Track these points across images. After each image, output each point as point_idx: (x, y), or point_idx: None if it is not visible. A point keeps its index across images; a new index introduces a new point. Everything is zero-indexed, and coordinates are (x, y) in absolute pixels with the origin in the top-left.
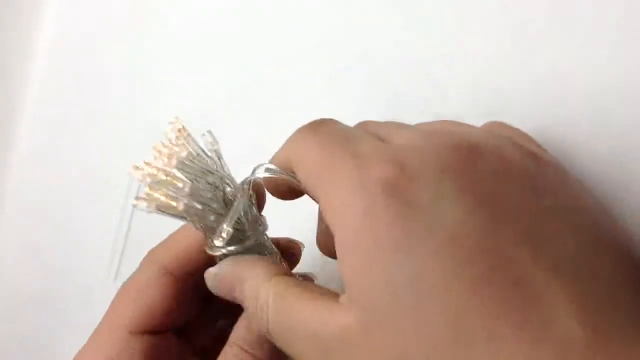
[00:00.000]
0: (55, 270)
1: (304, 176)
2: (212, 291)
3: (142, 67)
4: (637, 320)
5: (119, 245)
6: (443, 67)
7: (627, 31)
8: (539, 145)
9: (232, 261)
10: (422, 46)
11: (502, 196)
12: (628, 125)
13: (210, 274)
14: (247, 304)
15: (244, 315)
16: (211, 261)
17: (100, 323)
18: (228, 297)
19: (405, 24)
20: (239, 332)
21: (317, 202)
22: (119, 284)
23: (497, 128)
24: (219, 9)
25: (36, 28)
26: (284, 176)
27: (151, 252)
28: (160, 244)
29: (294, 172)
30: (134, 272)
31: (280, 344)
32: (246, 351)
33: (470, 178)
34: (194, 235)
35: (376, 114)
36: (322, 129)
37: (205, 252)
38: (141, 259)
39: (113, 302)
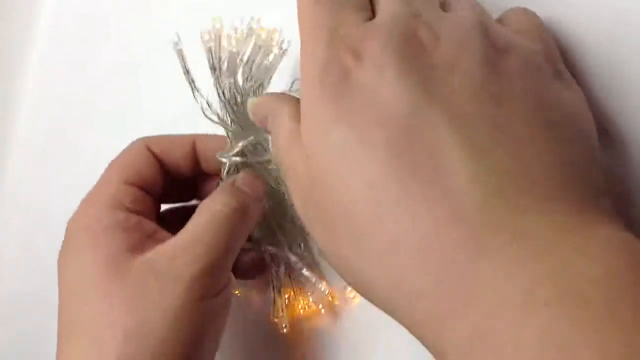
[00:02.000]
0: (53, 272)
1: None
2: (250, 117)
3: (142, 63)
4: (564, 198)
5: None
6: None
7: None
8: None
9: (271, 95)
10: None
11: (442, 83)
12: None
13: (251, 102)
14: (271, 136)
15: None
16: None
17: (97, 182)
18: (262, 126)
19: None
20: (218, 196)
21: None
22: None
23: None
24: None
25: (31, 26)
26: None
27: (138, 138)
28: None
29: None
30: (123, 150)
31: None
32: (224, 212)
33: (417, 64)
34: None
35: None
36: None
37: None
38: None
39: (107, 166)
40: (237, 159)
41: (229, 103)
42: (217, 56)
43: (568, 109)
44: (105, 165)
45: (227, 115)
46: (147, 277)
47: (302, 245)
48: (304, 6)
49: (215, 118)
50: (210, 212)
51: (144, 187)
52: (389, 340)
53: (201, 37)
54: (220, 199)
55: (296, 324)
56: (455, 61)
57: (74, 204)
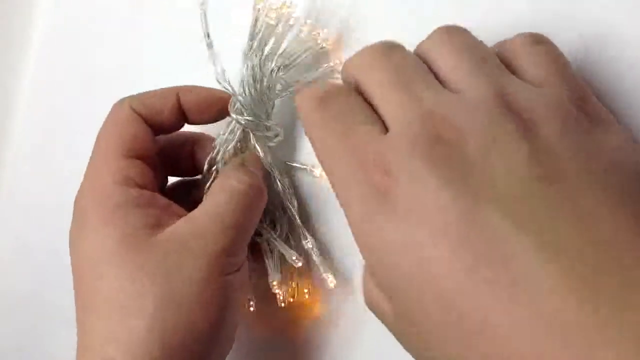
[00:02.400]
0: (50, 270)
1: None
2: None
3: (138, 62)
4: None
5: None
6: None
7: None
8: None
9: None
10: None
11: (482, 175)
12: None
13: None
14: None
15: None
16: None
17: (91, 156)
18: None
19: None
20: (233, 173)
21: None
22: None
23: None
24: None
25: (28, 25)
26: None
27: (120, 100)
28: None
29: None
30: (107, 115)
31: None
32: (239, 188)
33: (451, 165)
34: (165, 89)
35: None
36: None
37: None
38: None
39: (99, 136)
40: (250, 118)
41: (252, 71)
42: (260, 27)
43: (615, 153)
44: None
45: (244, 86)
46: (171, 253)
47: (289, 235)
48: (316, 133)
49: (227, 86)
50: (228, 189)
51: (143, 158)
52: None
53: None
54: (236, 176)
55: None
56: (488, 149)
57: (69, 203)
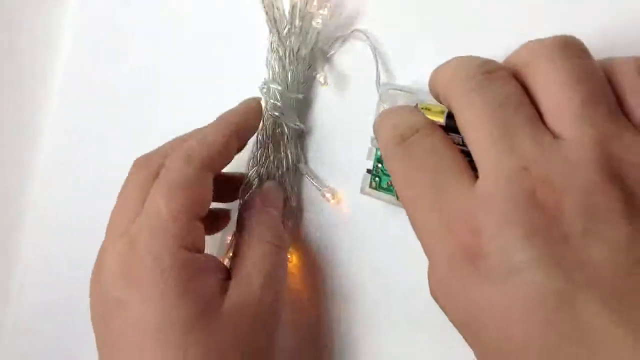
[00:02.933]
0: (76, 283)
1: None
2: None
3: (161, 78)
4: None
5: None
6: None
7: None
8: None
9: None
10: None
11: (578, 257)
12: None
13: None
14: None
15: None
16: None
17: (149, 217)
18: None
19: None
20: (268, 232)
21: None
22: None
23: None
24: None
25: (56, 35)
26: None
27: (187, 149)
28: (194, 140)
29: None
30: (174, 170)
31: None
32: (276, 245)
33: (547, 241)
34: (225, 134)
35: None
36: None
37: (252, 122)
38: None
39: (164, 197)
40: (279, 104)
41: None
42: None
43: None
44: (124, 174)
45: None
46: (241, 326)
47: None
48: (399, 172)
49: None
50: (266, 248)
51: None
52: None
53: None
54: (269, 234)
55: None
56: (586, 224)
57: (96, 214)
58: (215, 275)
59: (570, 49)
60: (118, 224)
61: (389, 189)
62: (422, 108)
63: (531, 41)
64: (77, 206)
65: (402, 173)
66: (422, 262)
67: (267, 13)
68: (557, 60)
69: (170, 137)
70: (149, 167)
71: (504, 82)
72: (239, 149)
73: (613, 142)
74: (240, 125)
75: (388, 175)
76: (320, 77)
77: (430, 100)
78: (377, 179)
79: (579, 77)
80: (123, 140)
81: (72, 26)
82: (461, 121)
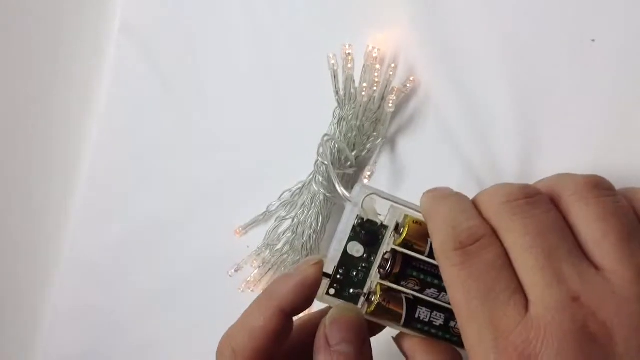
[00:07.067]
0: (108, 328)
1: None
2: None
3: (196, 124)
4: None
5: None
6: None
7: None
8: None
9: None
10: None
11: None
12: None
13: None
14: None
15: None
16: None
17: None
18: None
19: None
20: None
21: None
22: None
23: None
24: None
25: (94, 88)
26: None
27: (271, 291)
28: (278, 285)
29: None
30: (255, 311)
31: None
32: None
33: None
34: (267, 315)
35: None
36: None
37: (308, 295)
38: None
39: (245, 332)
40: (340, 145)
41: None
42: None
43: None
44: (156, 223)
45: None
46: None
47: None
48: (455, 284)
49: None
50: None
51: None
52: None
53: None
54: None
55: None
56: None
57: (127, 265)
58: None
59: (603, 188)
60: None
61: (352, 297)
62: (414, 222)
63: (563, 175)
64: (108, 258)
65: (458, 280)
66: None
67: (337, 93)
68: (592, 200)
69: (200, 191)
70: None
71: (547, 208)
72: (291, 328)
73: None
74: (288, 299)
75: (353, 284)
76: (367, 173)
77: (413, 213)
78: (336, 285)
79: (614, 212)
80: (153, 192)
81: (110, 74)
82: (507, 243)
